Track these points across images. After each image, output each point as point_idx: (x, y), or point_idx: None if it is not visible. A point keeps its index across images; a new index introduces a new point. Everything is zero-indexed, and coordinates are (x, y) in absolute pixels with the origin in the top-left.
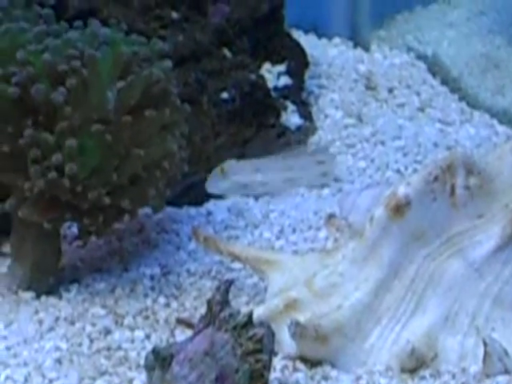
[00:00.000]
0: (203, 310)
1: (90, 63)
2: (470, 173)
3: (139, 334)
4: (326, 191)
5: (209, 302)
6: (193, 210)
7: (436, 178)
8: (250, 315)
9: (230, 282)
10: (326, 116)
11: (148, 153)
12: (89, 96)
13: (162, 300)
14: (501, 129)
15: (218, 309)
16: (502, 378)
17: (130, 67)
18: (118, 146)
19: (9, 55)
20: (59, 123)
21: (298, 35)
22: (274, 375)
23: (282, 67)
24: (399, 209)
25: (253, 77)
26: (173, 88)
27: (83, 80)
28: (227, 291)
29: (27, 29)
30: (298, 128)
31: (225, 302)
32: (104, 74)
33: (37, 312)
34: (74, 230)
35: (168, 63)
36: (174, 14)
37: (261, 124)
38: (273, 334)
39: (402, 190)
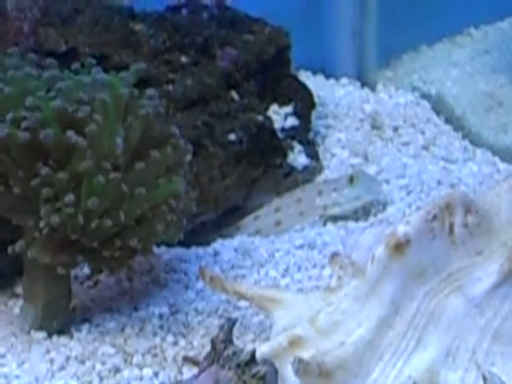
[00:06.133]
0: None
1: (101, 108)
2: (468, 211)
3: (148, 371)
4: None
5: (213, 341)
6: (201, 250)
7: (435, 217)
8: (253, 353)
9: (234, 321)
10: (333, 155)
11: (155, 194)
12: (102, 141)
13: (170, 338)
14: (503, 166)
15: (221, 347)
16: None
17: (129, 108)
18: (126, 188)
19: (17, 101)
20: (75, 164)
21: (306, 76)
22: None
23: (289, 108)
24: (399, 247)
25: (260, 118)
26: (174, 128)
27: (98, 126)
28: (231, 330)
29: (33, 74)
30: (305, 168)
31: (228, 341)
32: (111, 118)
33: (48, 351)
34: (85, 270)
35: (151, 91)
36: (183, 58)
37: (268, 164)
38: (276, 371)
39: (401, 229)
